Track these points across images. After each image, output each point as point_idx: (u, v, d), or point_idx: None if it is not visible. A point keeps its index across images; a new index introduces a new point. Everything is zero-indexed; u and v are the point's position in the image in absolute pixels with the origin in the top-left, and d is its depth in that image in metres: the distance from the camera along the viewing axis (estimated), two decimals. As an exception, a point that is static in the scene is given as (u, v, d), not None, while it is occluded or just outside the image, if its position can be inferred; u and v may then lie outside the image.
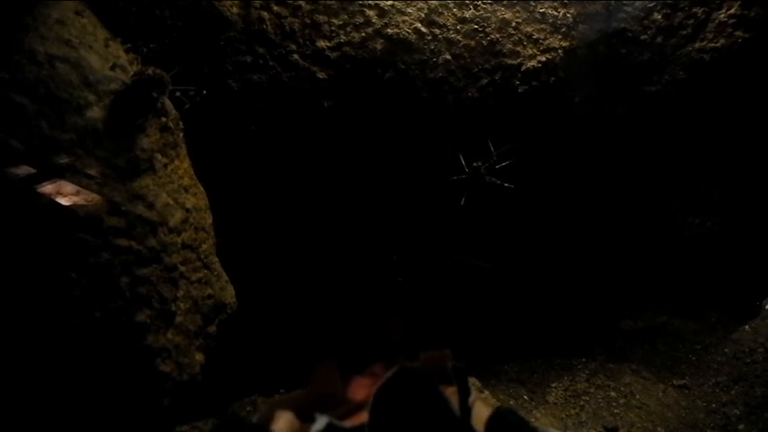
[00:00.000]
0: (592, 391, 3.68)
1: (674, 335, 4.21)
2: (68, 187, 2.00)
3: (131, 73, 2.17)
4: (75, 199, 2.02)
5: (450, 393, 1.57)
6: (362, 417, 1.41)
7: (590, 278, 4.15)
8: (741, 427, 3.16)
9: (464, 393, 1.57)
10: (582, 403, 3.59)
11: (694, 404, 3.47)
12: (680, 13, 3.43)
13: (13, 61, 1.85)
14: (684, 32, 3.49)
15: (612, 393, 3.63)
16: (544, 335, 4.13)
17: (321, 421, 1.42)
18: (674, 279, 4.31)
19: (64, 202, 1.98)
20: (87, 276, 2.03)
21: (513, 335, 4.05)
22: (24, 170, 1.91)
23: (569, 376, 3.86)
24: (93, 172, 2.03)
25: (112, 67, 2.13)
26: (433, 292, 3.79)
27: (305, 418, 1.46)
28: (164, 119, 2.33)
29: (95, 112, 2.03)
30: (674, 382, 3.72)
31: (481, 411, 1.50)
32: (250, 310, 3.00)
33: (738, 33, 3.47)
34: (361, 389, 1.58)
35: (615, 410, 3.47)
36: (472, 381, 3.13)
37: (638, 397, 3.57)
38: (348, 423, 1.42)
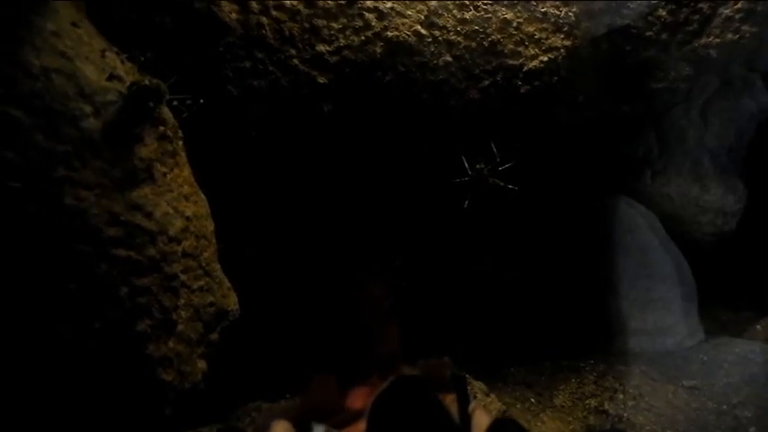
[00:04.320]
0: (600, 393, 3.64)
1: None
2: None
3: (128, 83, 2.17)
4: None
5: (450, 401, 1.56)
6: (360, 426, 1.40)
7: (597, 279, 4.11)
8: (752, 429, 3.11)
9: (463, 401, 1.55)
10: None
11: (704, 406, 3.42)
12: (685, 9, 3.39)
13: (8, 74, 1.85)
14: (690, 28, 3.44)
15: (621, 395, 3.59)
16: (551, 337, 4.09)
17: (318, 430, 1.41)
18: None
19: None
20: (86, 287, 2.03)
21: (520, 337, 4.02)
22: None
23: (577, 378, 3.82)
24: (90, 183, 2.03)
25: (109, 78, 2.12)
26: (439, 295, 3.76)
27: (301, 427, 1.45)
28: (161, 128, 2.33)
29: (92, 123, 2.03)
30: (684, 383, 3.67)
31: (481, 420, 1.49)
32: (254, 315, 2.99)
33: (746, 28, 3.41)
34: (359, 398, 1.57)
35: (624, 413, 3.43)
36: (479, 385, 3.11)
37: (646, 399, 3.52)
38: None
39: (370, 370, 1.63)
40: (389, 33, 3.00)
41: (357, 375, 1.58)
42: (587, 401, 3.55)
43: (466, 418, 1.52)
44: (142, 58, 2.34)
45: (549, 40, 3.21)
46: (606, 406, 3.46)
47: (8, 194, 1.86)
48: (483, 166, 3.25)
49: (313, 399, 1.58)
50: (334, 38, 2.98)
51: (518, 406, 3.47)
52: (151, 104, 2.17)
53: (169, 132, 2.39)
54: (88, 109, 2.03)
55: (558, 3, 3.18)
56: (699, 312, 4.28)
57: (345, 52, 3.00)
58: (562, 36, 3.22)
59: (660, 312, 4.18)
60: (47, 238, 1.94)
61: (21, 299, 1.94)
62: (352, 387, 1.57)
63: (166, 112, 2.38)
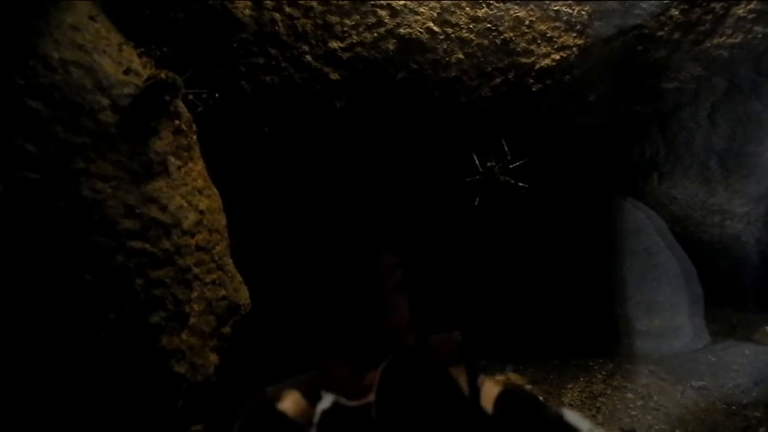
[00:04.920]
0: (609, 392, 3.64)
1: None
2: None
3: (144, 77, 2.18)
4: None
5: (459, 374, 1.56)
6: (371, 398, 1.41)
7: (602, 279, 4.11)
8: (761, 430, 3.10)
9: (472, 373, 1.56)
10: (599, 405, 3.54)
11: (714, 406, 3.41)
12: (698, 9, 3.37)
13: (28, 67, 1.87)
14: (702, 28, 3.42)
15: (630, 395, 3.58)
16: (560, 335, 4.08)
17: (327, 399, 1.43)
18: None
19: None
20: (102, 279, 2.05)
21: (529, 335, 4.01)
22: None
23: (586, 377, 3.82)
24: (107, 175, 2.05)
25: (126, 71, 2.14)
26: (447, 290, 3.76)
27: (312, 398, 1.47)
28: (177, 121, 2.35)
29: (109, 116, 2.05)
30: (693, 383, 3.66)
31: (490, 390, 1.49)
32: (266, 309, 3.00)
33: (758, 29, 3.40)
34: (371, 375, 1.58)
35: (632, 412, 3.42)
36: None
37: (655, 398, 3.52)
38: (355, 403, 1.43)
39: (381, 346, 1.63)
40: (402, 30, 3.01)
41: (370, 357, 1.59)
42: (596, 400, 3.55)
43: (475, 389, 1.52)
44: (158, 53, 2.36)
45: (562, 39, 3.21)
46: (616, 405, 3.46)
47: (27, 186, 1.88)
48: (494, 163, 3.26)
49: (324, 373, 1.58)
50: (346, 34, 2.99)
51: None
52: (167, 98, 2.19)
53: (184, 126, 2.41)
54: (105, 102, 2.04)
55: (570, 1, 3.17)
56: (707, 314, 4.26)
57: (358, 49, 3.01)
58: (574, 35, 3.22)
59: (666, 314, 4.18)
60: (64, 230, 1.96)
61: (38, 289, 1.96)
62: (366, 370, 1.57)
63: (181, 106, 2.40)
